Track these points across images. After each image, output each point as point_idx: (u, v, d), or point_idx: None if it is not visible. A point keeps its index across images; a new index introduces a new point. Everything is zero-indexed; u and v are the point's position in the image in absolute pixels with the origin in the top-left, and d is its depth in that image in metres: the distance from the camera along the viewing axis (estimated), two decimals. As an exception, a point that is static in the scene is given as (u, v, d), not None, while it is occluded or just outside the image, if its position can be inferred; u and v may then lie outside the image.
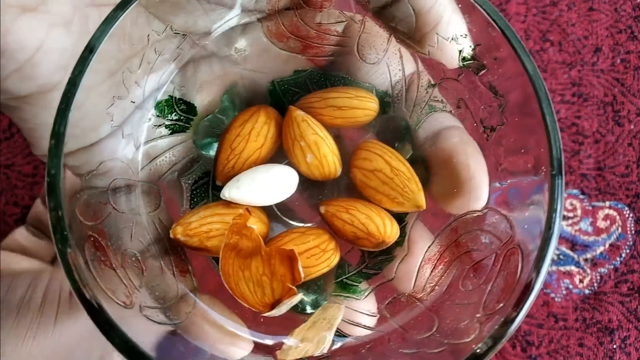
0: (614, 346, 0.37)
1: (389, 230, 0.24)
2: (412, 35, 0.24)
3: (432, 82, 0.25)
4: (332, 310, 0.23)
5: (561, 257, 0.38)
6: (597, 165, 0.39)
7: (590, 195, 0.39)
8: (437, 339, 0.21)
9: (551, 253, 0.19)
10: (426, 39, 0.23)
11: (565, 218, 0.39)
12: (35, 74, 0.21)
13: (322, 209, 0.24)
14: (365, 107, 0.25)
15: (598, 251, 0.38)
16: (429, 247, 0.24)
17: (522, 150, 0.22)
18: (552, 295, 0.37)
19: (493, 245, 0.22)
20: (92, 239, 0.20)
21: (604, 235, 0.38)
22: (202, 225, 0.23)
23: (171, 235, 0.23)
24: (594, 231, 0.38)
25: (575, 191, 0.39)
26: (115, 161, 0.23)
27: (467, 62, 0.23)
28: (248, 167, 0.24)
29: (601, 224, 0.38)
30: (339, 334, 0.23)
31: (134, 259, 0.22)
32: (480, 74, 0.23)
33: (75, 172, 0.21)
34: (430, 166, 0.25)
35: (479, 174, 0.23)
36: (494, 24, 0.21)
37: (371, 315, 0.24)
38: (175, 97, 0.25)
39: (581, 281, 0.38)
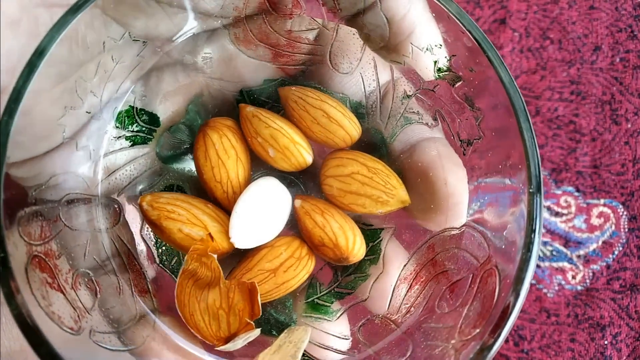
0: (605, 342, 0.36)
1: (357, 249, 0.23)
2: (386, 44, 0.23)
3: (408, 93, 0.24)
4: (298, 332, 0.21)
5: (554, 253, 0.38)
6: (593, 163, 0.39)
7: (585, 193, 0.39)
8: (411, 366, 0.20)
9: (530, 275, 0.18)
10: (400, 48, 0.22)
11: (559, 215, 0.38)
12: None
13: (297, 203, 0.23)
14: (347, 132, 0.24)
15: (591, 248, 0.38)
16: (405, 265, 0.23)
17: (500, 166, 0.20)
18: (545, 290, 0.37)
19: (470, 265, 0.21)
20: (36, 259, 0.18)
21: (597, 233, 0.38)
22: (169, 204, 0.22)
23: (139, 201, 0.22)
24: (587, 228, 0.38)
25: (570, 188, 0.39)
26: (68, 174, 0.21)
27: (443, 73, 0.22)
28: (245, 180, 0.23)
29: (595, 221, 0.38)
30: (309, 358, 0.22)
31: (86, 279, 0.20)
32: (457, 85, 0.22)
33: (23, 184, 0.20)
34: (406, 180, 0.24)
35: (459, 191, 0.22)
36: (469, 35, 0.20)
37: (343, 338, 0.23)
38: (137, 108, 0.23)
39: (574, 277, 0.38)
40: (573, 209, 0.38)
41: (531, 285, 0.37)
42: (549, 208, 0.39)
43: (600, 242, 0.38)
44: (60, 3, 0.21)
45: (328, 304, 0.24)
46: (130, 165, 0.23)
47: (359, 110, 0.25)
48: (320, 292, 0.24)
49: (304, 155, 0.23)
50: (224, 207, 0.23)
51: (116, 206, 0.23)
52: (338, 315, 0.23)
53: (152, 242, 0.23)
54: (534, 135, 0.19)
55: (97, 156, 0.22)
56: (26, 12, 0.20)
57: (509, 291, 0.18)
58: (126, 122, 0.23)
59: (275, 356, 0.21)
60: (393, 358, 0.21)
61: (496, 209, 0.21)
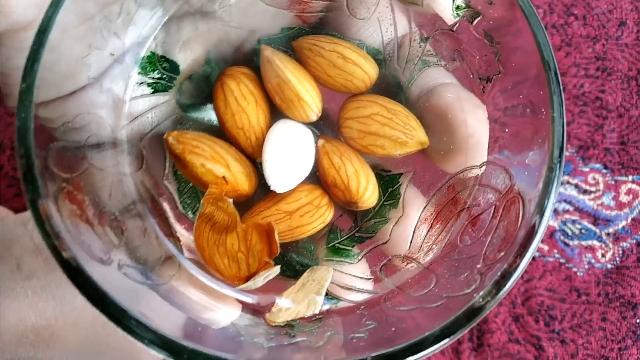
0: (638, 321, 0.36)
1: (367, 195, 0.23)
2: None
3: (426, 36, 0.24)
4: (320, 271, 0.22)
5: (583, 231, 0.38)
6: (620, 140, 0.38)
7: (613, 170, 0.38)
8: (436, 294, 0.20)
9: (554, 197, 0.18)
10: None
11: (587, 192, 0.38)
12: (8, 10, 0.20)
13: (320, 142, 0.23)
14: (365, 71, 0.24)
15: (620, 225, 0.38)
16: (425, 207, 0.23)
17: (521, 96, 0.20)
18: (575, 269, 0.37)
19: (492, 199, 0.21)
20: (66, 191, 0.18)
21: (626, 210, 0.38)
22: (194, 140, 0.22)
23: (165, 136, 0.22)
24: (616, 205, 0.38)
25: (598, 165, 0.38)
26: (93, 115, 0.21)
27: (462, 11, 0.22)
28: (266, 125, 0.23)
29: (624, 198, 0.38)
30: (333, 297, 0.22)
31: (112, 217, 0.20)
32: (475, 22, 0.22)
33: (49, 125, 0.20)
34: (425, 124, 0.24)
35: (479, 131, 0.22)
36: None
37: (365, 278, 0.23)
38: (158, 55, 0.24)
39: (603, 255, 0.38)
40: (601, 186, 0.38)
41: (560, 263, 0.37)
42: (576, 186, 0.38)
43: (629, 220, 0.38)
44: None
45: (349, 248, 0.24)
46: (152, 112, 0.24)
47: (377, 57, 0.25)
48: (340, 237, 0.24)
49: (308, 112, 0.23)
50: (248, 154, 0.23)
51: (139, 152, 0.23)
52: (359, 257, 0.23)
53: (175, 188, 0.24)
54: (556, 63, 0.19)
55: (120, 100, 0.23)
56: None
57: (534, 212, 0.18)
58: (148, 68, 0.23)
59: (300, 294, 0.21)
60: (417, 291, 0.21)
61: (518, 139, 0.21)
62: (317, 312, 0.21)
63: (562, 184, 0.36)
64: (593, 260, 0.37)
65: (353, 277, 0.23)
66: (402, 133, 0.23)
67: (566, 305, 0.37)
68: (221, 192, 0.21)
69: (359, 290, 0.22)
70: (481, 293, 0.17)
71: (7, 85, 0.22)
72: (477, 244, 0.20)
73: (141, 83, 0.23)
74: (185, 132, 0.23)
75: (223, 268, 0.21)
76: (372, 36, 0.25)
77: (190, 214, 0.24)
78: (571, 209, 0.39)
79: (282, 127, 0.23)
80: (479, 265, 0.19)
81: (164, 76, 0.24)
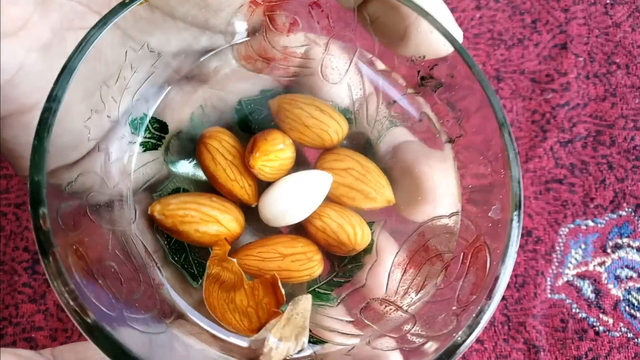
0: None
1: (360, 238, 0.25)
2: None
3: (393, 100, 0.27)
4: (301, 302, 0.23)
5: None
6: None
7: None
8: (417, 333, 0.22)
9: (516, 245, 0.21)
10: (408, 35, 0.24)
11: None
12: (15, 95, 0.22)
13: None
14: (339, 123, 0.26)
15: None
16: (397, 252, 0.25)
17: (481, 157, 0.24)
18: None
19: (461, 246, 0.24)
20: (74, 247, 0.19)
21: None
22: (180, 209, 0.24)
23: (149, 212, 0.24)
24: None
25: None
26: (92, 174, 0.23)
27: (426, 81, 0.25)
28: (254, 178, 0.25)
29: None
30: (318, 339, 0.24)
31: (112, 270, 0.22)
32: (438, 90, 0.25)
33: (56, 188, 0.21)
34: (392, 179, 0.26)
35: (445, 183, 0.25)
36: (450, 45, 0.23)
37: (346, 321, 0.25)
38: (149, 116, 0.25)
39: None
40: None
41: (628, 339, 0.35)
42: (638, 249, 0.37)
43: None
44: (86, 26, 0.23)
45: (328, 292, 0.26)
46: (143, 169, 0.25)
47: (346, 116, 0.27)
48: (320, 282, 0.26)
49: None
50: (244, 202, 0.25)
51: (133, 206, 0.25)
52: (339, 300, 0.25)
53: (164, 242, 0.25)
54: (509, 126, 0.22)
55: (116, 160, 0.24)
56: (57, 35, 0.22)
57: (499, 260, 0.20)
58: (140, 128, 0.25)
59: (287, 329, 0.23)
60: (397, 332, 0.23)
61: (481, 194, 0.24)
62: (305, 345, 0.23)
63: (620, 247, 0.36)
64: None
65: (334, 320, 0.25)
66: (373, 189, 0.25)
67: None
68: (225, 253, 0.23)
69: (341, 333, 0.24)
70: (460, 332, 0.19)
71: (14, 157, 0.23)
72: (451, 287, 0.23)
73: (133, 142, 0.25)
74: (167, 202, 0.24)
75: (235, 323, 0.23)
76: (342, 98, 0.28)
77: (179, 263, 0.25)
78: (634, 275, 0.37)
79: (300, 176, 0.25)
80: (454, 308, 0.21)
81: (154, 135, 0.25)
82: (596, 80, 0.40)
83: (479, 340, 0.36)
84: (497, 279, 0.20)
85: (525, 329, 0.36)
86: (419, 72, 0.25)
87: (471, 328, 0.20)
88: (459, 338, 0.20)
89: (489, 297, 0.20)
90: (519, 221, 0.21)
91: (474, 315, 0.20)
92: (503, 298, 0.36)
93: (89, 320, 0.17)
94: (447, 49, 0.23)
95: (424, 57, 0.25)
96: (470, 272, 0.22)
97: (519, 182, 0.22)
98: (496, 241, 0.21)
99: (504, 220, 0.21)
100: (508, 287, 0.37)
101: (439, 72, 0.25)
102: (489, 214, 0.22)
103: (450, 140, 0.25)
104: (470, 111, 0.24)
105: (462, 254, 0.23)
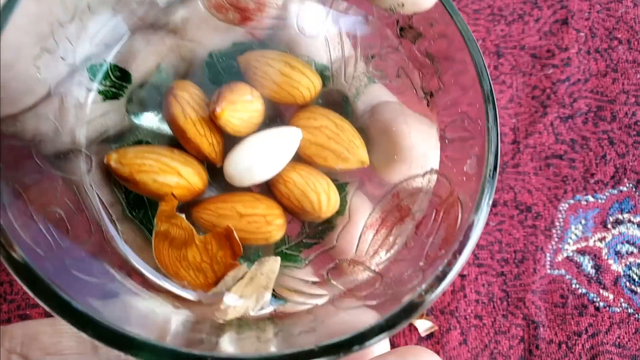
0: None
1: (325, 205, 0.23)
2: None
3: (371, 54, 0.25)
4: (268, 264, 0.22)
5: None
6: None
7: None
8: (381, 291, 0.20)
9: (490, 198, 0.19)
10: None
11: None
12: None
13: None
14: (310, 79, 0.25)
15: None
16: (371, 213, 0.24)
17: (460, 110, 0.22)
18: None
19: (434, 203, 0.22)
20: (11, 184, 0.18)
21: None
22: (137, 158, 0.22)
23: (105, 161, 0.22)
24: None
25: None
26: (44, 119, 0.21)
27: (405, 32, 0.24)
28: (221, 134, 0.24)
29: None
30: (281, 297, 0.23)
31: (57, 215, 0.20)
32: (418, 42, 0.24)
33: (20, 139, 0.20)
34: (370, 137, 0.25)
35: (422, 142, 0.24)
36: None
37: (312, 282, 0.23)
38: (110, 63, 0.24)
39: None
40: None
41: (629, 314, 0.35)
42: (639, 225, 0.36)
43: None
44: None
45: (296, 254, 0.24)
46: (102, 119, 0.24)
47: (324, 73, 0.26)
48: (288, 244, 0.25)
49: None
50: (211, 160, 0.24)
51: (88, 156, 0.23)
52: (306, 262, 0.24)
53: (122, 196, 0.24)
54: (489, 77, 0.21)
55: (69, 105, 0.23)
56: None
57: (471, 213, 0.19)
58: (99, 76, 0.24)
59: (248, 288, 0.21)
60: (363, 290, 0.22)
61: (457, 149, 0.22)
62: (265, 307, 0.21)
63: (621, 223, 0.36)
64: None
65: (300, 281, 0.23)
66: (346, 149, 0.24)
67: (638, 361, 0.33)
68: (172, 209, 0.22)
69: (306, 293, 0.23)
70: (423, 287, 0.18)
71: None
72: (420, 245, 0.21)
73: (91, 90, 0.24)
74: (125, 151, 0.23)
75: (190, 279, 0.22)
76: (319, 53, 0.26)
77: (137, 218, 0.24)
78: (635, 250, 0.36)
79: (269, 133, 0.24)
80: (421, 263, 0.20)
81: (115, 84, 0.24)
82: (597, 56, 0.40)
83: (477, 316, 0.35)
84: (467, 232, 0.19)
85: (524, 305, 0.35)
86: (397, 21, 0.24)
87: (437, 282, 0.18)
88: (422, 292, 0.18)
89: (458, 251, 0.19)
90: (495, 173, 0.19)
91: (439, 269, 0.18)
92: (502, 274, 0.36)
93: (15, 256, 0.16)
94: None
95: (403, 4, 0.23)
96: (441, 229, 0.21)
97: (497, 134, 0.20)
98: (470, 196, 0.20)
99: (479, 174, 0.20)
100: (507, 262, 0.36)
101: (418, 22, 0.23)
102: (464, 168, 0.21)
103: (430, 94, 0.24)
104: (449, 62, 0.22)
105: (434, 210, 0.22)
